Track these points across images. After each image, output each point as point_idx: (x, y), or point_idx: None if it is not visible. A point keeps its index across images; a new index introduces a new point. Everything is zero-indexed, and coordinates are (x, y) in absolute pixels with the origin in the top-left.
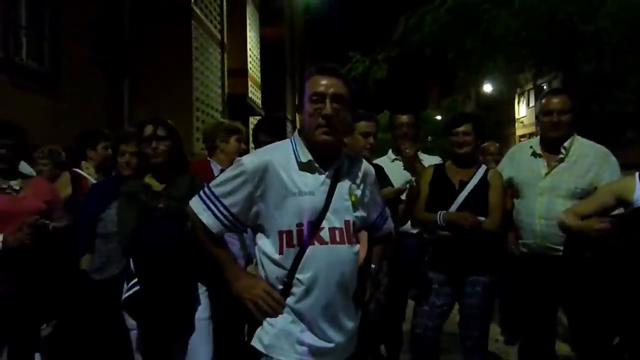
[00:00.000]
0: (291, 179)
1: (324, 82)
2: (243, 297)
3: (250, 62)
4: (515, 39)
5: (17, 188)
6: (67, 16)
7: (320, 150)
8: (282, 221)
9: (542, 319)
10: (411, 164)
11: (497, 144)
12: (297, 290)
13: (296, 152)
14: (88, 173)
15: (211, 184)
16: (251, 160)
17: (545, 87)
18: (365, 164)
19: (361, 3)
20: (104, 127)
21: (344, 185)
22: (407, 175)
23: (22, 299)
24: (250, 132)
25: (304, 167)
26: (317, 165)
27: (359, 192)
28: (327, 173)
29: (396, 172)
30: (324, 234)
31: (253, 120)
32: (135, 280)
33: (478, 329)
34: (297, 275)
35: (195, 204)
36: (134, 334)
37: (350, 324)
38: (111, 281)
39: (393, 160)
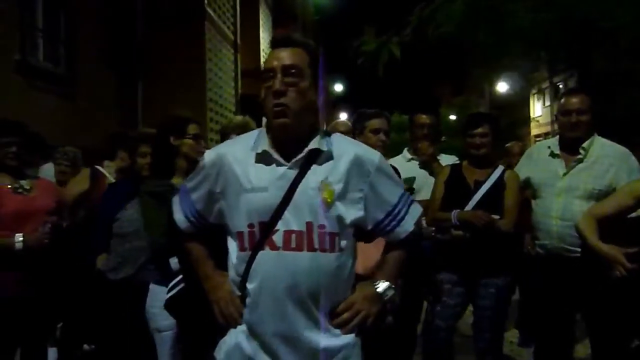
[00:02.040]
0: (245, 173)
1: (275, 54)
2: (209, 298)
3: (263, 63)
4: (531, 35)
5: (28, 188)
6: (82, 19)
7: (281, 137)
8: (237, 221)
9: (558, 322)
10: (429, 165)
11: (522, 144)
12: (248, 300)
13: (255, 142)
14: (108, 172)
15: (187, 178)
16: (209, 154)
17: (561, 86)
18: (361, 151)
19: (373, 2)
20: (117, 128)
21: (313, 178)
22: (424, 175)
23: (35, 300)
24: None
25: (259, 158)
26: (275, 155)
27: (339, 186)
28: (289, 164)
29: (412, 172)
30: (278, 237)
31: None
32: (178, 279)
33: (491, 330)
34: (247, 284)
35: (175, 198)
36: (166, 335)
37: (325, 346)
38: (127, 281)
39: (409, 160)
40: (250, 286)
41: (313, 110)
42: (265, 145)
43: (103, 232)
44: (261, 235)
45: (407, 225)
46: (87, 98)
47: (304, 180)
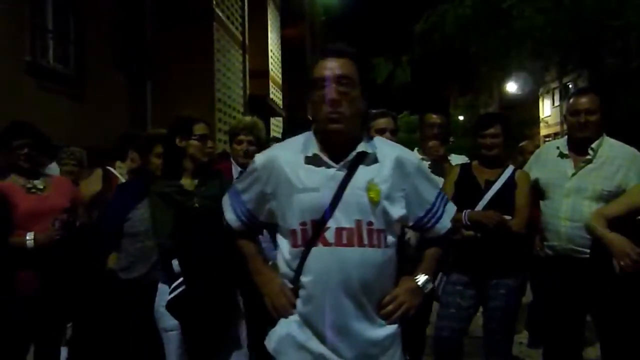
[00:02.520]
0: (296, 174)
1: (327, 64)
2: (261, 291)
3: (271, 63)
4: (540, 35)
5: (41, 187)
6: (92, 20)
7: (332, 141)
8: (290, 220)
9: (567, 323)
10: (439, 165)
11: (536, 143)
12: (302, 293)
13: (305, 146)
14: (120, 173)
15: (237, 180)
16: (260, 157)
17: (570, 85)
18: (402, 153)
19: (381, 2)
20: (127, 128)
21: (360, 179)
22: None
23: (48, 298)
24: (271, 132)
25: (310, 160)
26: (325, 158)
27: (385, 186)
28: (338, 166)
29: None
30: (329, 234)
31: (274, 121)
32: (180, 280)
33: (501, 332)
34: (301, 278)
35: (225, 199)
36: (172, 335)
37: (371, 333)
38: (139, 280)
39: None
40: (304, 280)
41: (360, 116)
42: (315, 148)
43: (113, 231)
44: (313, 232)
45: (445, 223)
46: (97, 98)
47: (352, 181)
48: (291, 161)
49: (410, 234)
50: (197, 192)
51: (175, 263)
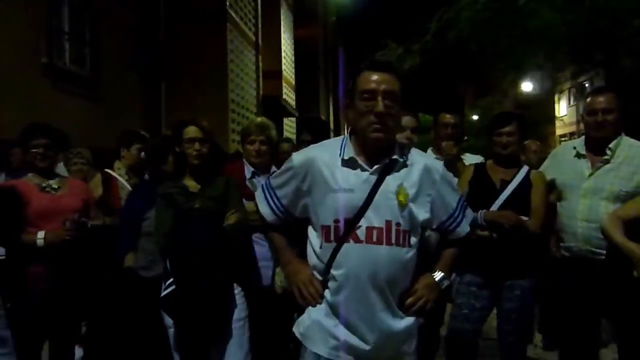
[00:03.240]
0: (333, 175)
1: (375, 78)
2: (290, 280)
3: (284, 64)
4: (556, 35)
5: (56, 187)
6: (107, 22)
7: (371, 147)
8: (324, 216)
9: (584, 325)
10: (453, 164)
11: (538, 142)
12: (332, 284)
13: (342, 149)
14: (119, 174)
15: (271, 176)
16: (298, 156)
17: (587, 85)
18: (429, 161)
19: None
20: (141, 129)
21: (391, 183)
22: None
23: (62, 295)
24: (284, 132)
25: (346, 163)
26: (361, 162)
27: (413, 191)
28: (372, 170)
29: None
30: (360, 232)
31: (287, 121)
32: (171, 280)
33: (516, 333)
34: (332, 271)
35: (258, 193)
36: (171, 332)
37: (394, 324)
38: (158, 279)
39: None
40: (335, 272)
41: (397, 128)
42: (351, 152)
43: (130, 231)
44: (346, 229)
45: (465, 227)
46: (111, 99)
47: (383, 185)
48: (329, 162)
49: (430, 231)
50: (200, 194)
51: (167, 262)
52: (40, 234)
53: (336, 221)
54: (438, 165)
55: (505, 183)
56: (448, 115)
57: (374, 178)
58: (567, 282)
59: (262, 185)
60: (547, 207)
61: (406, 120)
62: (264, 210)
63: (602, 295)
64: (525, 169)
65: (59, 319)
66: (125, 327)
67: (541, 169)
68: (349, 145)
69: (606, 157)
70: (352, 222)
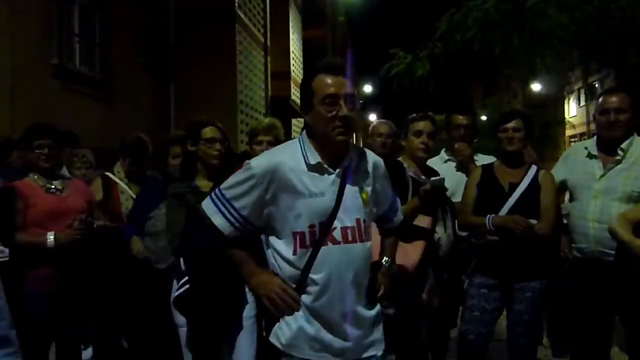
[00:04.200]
0: (301, 181)
1: (334, 81)
2: (259, 293)
3: (292, 65)
4: (565, 35)
5: (60, 188)
6: (117, 23)
7: (332, 150)
8: (295, 223)
9: (596, 327)
10: (465, 165)
11: (535, 155)
12: (312, 289)
13: (305, 154)
14: (119, 177)
15: (222, 186)
16: (259, 163)
17: (597, 85)
18: (373, 157)
19: (402, 1)
20: (151, 129)
21: (354, 183)
22: (460, 177)
23: (69, 296)
24: (292, 133)
25: (312, 168)
26: (326, 166)
27: (369, 188)
28: (336, 172)
29: (447, 173)
30: (336, 233)
31: (295, 122)
32: (186, 279)
33: (526, 336)
34: (311, 275)
35: (207, 205)
36: (182, 331)
37: (366, 315)
38: (160, 276)
39: (446, 161)
40: (315, 276)
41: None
42: (316, 157)
43: (136, 226)
44: (321, 233)
45: (400, 214)
46: (121, 100)
47: (348, 185)
48: (294, 168)
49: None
50: (210, 193)
51: (182, 262)
52: (50, 235)
53: (311, 226)
54: (380, 161)
55: (513, 186)
56: (460, 117)
57: (338, 180)
58: (579, 283)
59: (213, 197)
60: (557, 208)
61: (423, 124)
62: (220, 223)
63: (615, 295)
64: (533, 169)
65: (66, 319)
66: (134, 326)
67: (552, 170)
68: (310, 148)
69: (618, 157)
70: (327, 225)
